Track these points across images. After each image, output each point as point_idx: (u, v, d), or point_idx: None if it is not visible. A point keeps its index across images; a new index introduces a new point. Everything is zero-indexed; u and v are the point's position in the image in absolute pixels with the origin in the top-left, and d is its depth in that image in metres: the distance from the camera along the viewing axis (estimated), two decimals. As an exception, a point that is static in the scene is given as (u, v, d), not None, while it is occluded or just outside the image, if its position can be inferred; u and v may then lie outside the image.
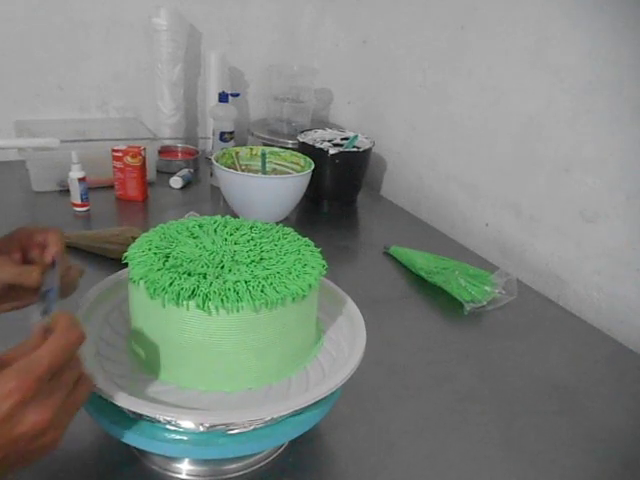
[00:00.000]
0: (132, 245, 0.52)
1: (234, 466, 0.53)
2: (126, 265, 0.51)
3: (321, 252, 0.55)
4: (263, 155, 1.12)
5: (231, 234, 0.56)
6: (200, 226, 0.57)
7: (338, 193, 1.22)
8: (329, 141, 1.25)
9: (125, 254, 0.51)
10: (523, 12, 0.94)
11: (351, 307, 0.59)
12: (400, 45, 1.25)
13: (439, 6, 1.12)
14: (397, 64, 1.26)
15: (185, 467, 0.53)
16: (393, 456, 0.58)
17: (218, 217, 0.59)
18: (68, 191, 1.07)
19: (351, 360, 0.51)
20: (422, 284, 0.92)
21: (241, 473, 0.54)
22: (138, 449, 0.54)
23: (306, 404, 0.46)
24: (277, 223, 0.60)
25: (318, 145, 1.16)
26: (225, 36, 1.47)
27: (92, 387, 0.40)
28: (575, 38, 0.87)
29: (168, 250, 0.52)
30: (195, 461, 0.53)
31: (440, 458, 0.58)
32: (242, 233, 0.56)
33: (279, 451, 0.56)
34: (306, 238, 0.57)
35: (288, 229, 0.58)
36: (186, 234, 0.55)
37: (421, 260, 0.93)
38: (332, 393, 0.49)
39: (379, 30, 1.31)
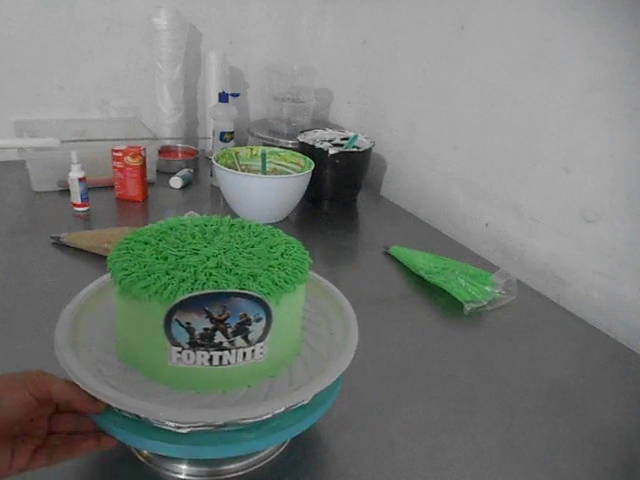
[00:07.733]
0: (116, 246, 0.52)
1: (234, 466, 0.53)
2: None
3: (307, 249, 0.55)
4: (263, 155, 1.12)
5: (223, 233, 0.56)
6: (195, 225, 0.57)
7: (338, 193, 1.22)
8: (329, 141, 1.25)
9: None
10: (523, 12, 0.94)
11: (342, 302, 0.59)
12: (400, 45, 1.25)
13: (439, 6, 1.12)
14: (397, 64, 1.26)
15: (185, 467, 0.53)
16: (393, 456, 0.58)
17: (214, 216, 0.59)
18: (68, 191, 1.07)
19: (340, 361, 0.51)
20: (422, 284, 0.92)
21: (241, 473, 0.53)
22: (137, 449, 0.54)
23: (288, 406, 0.46)
24: (277, 223, 0.60)
25: (318, 145, 1.16)
26: (225, 36, 1.47)
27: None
28: (575, 38, 0.86)
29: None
30: (195, 461, 0.53)
31: (440, 458, 0.58)
32: (233, 232, 0.56)
33: (279, 451, 0.56)
34: (293, 237, 0.57)
35: (277, 229, 0.58)
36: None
37: (421, 260, 0.93)
38: (323, 400, 0.49)
39: (379, 30, 1.31)
